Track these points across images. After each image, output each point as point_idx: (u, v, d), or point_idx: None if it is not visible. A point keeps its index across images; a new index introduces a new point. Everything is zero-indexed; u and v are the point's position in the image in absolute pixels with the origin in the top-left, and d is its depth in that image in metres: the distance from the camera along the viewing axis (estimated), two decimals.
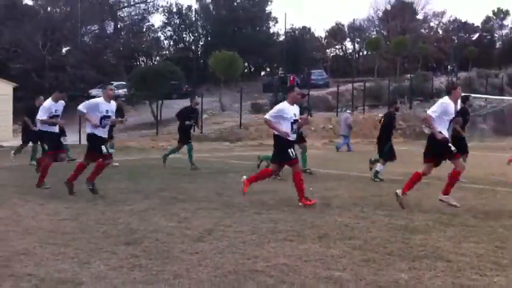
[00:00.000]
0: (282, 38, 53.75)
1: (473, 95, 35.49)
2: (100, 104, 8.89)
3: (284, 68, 49.10)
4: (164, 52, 53.18)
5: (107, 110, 8.88)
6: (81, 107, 8.88)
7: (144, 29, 48.87)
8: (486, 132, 30.43)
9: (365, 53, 61.89)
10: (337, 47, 65.07)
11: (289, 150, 8.27)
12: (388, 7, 59.81)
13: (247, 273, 4.84)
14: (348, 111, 27.75)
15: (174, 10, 52.64)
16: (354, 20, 62.01)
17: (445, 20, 62.60)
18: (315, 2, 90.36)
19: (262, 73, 59.38)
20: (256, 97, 37.52)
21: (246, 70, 51.32)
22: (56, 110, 9.88)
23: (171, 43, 54.51)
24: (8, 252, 5.43)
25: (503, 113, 34.17)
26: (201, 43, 54.41)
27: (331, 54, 64.99)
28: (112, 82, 37.04)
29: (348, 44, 64.48)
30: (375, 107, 34.19)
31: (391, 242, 5.98)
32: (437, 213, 7.70)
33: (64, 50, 42.23)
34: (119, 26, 46.95)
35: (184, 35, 54.08)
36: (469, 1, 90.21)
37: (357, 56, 63.88)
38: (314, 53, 58.83)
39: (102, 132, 8.95)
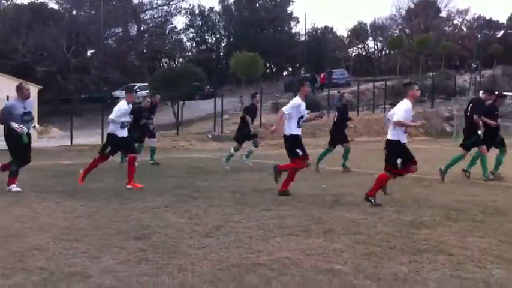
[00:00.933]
0: (303, 38, 53.77)
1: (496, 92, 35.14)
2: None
3: (306, 68, 49.11)
4: (187, 53, 53.68)
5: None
6: None
7: (167, 31, 49.38)
8: (509, 129, 30.03)
9: (387, 51, 61.47)
10: (359, 46, 64.77)
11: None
12: (411, 5, 59.32)
13: (249, 267, 4.96)
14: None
15: (197, 12, 53.18)
16: (375, 18, 61.69)
17: (469, 17, 61.84)
18: (337, 1, 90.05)
19: (284, 73, 59.44)
20: (277, 97, 37.63)
21: (268, 70, 51.50)
22: (302, 110, 9.16)
23: (194, 44, 55.04)
24: (23, 247, 5.63)
25: None
26: (223, 44, 54.76)
27: (353, 54, 64.72)
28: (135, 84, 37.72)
29: (371, 43, 64.17)
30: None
31: (395, 237, 6.05)
32: (446, 209, 7.73)
33: (89, 52, 42.97)
34: (142, 29, 47.52)
35: (206, 37, 54.56)
36: None
37: (379, 55, 63.49)
38: (336, 53, 58.68)
39: None
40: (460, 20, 62.66)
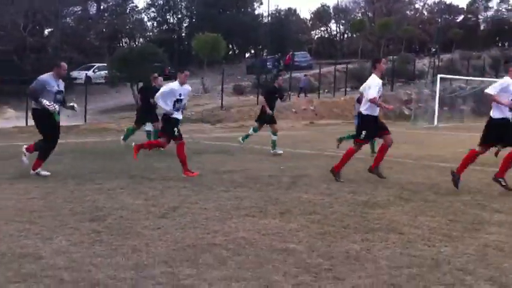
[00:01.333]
0: (266, 19, 53.62)
1: (454, 76, 35.92)
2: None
3: (269, 50, 49.02)
4: (148, 34, 52.85)
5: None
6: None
7: (128, 10, 48.41)
8: (465, 112, 30.81)
9: (350, 35, 61.94)
10: (322, 29, 65.07)
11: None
12: None
13: (205, 247, 4.99)
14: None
15: None
16: (338, 1, 62.03)
17: (430, 1, 62.79)
18: None
19: (247, 55, 59.26)
20: (239, 79, 37.54)
21: (230, 52, 51.17)
22: (381, 89, 8.84)
23: (155, 24, 54.22)
24: None
25: (482, 95, 34.52)
26: (185, 25, 54.13)
27: (316, 36, 65.00)
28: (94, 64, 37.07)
29: (333, 26, 64.54)
30: (357, 88, 34.37)
31: (350, 216, 6.16)
32: (400, 189, 7.92)
33: (46, 31, 41.82)
34: (102, 7, 46.46)
35: (168, 17, 53.76)
36: None
37: (341, 38, 63.92)
38: (299, 35, 58.76)
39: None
40: (421, 4, 63.60)
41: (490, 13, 64.40)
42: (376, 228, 5.65)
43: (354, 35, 58.69)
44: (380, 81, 8.66)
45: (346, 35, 64.02)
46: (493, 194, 7.74)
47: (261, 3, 55.26)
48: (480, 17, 65.08)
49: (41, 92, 8.62)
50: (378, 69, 8.69)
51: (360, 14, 60.76)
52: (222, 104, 26.52)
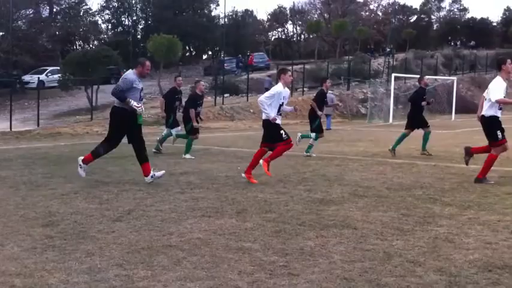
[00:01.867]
0: (223, 21, 53.66)
1: (407, 75, 36.71)
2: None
3: (226, 52, 49.02)
4: (102, 36, 52.16)
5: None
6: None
7: (81, 13, 47.71)
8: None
9: (306, 36, 62.58)
10: (279, 30, 65.53)
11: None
12: None
13: (160, 249, 4.95)
14: (330, 91, 28.42)
15: None
16: (294, 3, 62.58)
17: (384, 2, 64.06)
18: None
19: (204, 56, 59.13)
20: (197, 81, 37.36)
21: (187, 54, 50.98)
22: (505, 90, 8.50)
23: (109, 27, 53.56)
24: None
25: (435, 92, 35.45)
26: (140, 27, 53.67)
27: (273, 37, 65.41)
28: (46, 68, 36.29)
29: (290, 27, 65.08)
30: (314, 88, 34.74)
31: (305, 214, 6.23)
32: (354, 186, 8.05)
33: None
34: (54, 10, 45.65)
35: (123, 19, 53.19)
36: None
37: (298, 39, 64.51)
38: (256, 36, 59.04)
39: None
40: (376, 5, 64.78)
41: (442, 13, 66.22)
42: (331, 224, 5.73)
43: (311, 36, 59.32)
44: (505, 84, 8.26)
45: (302, 36, 64.65)
46: (444, 188, 7.95)
47: (218, 5, 55.35)
48: (433, 17, 66.80)
49: (128, 91, 8.10)
50: (503, 71, 8.30)
51: (316, 16, 61.44)
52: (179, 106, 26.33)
